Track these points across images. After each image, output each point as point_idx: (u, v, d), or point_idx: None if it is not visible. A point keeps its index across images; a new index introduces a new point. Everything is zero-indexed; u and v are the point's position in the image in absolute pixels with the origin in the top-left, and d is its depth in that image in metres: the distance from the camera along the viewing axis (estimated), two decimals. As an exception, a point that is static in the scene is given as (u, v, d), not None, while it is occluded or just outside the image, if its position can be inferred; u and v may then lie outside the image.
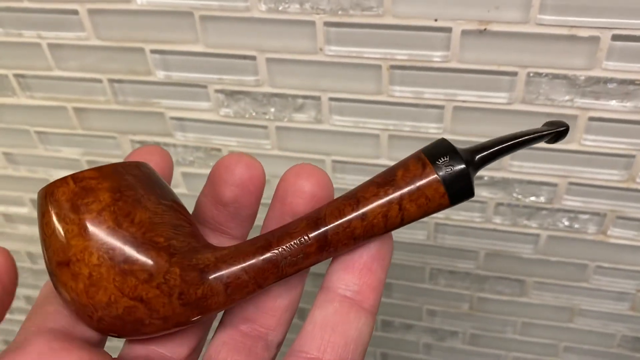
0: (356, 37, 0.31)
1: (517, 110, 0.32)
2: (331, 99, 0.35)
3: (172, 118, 0.39)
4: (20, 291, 0.58)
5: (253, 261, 0.18)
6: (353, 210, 0.18)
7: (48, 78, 0.39)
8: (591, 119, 0.32)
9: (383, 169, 0.19)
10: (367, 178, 0.19)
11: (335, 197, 0.19)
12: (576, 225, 0.38)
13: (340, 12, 0.31)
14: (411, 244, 0.42)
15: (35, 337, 0.17)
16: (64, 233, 0.17)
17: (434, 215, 0.40)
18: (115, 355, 0.19)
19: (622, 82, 0.30)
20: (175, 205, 0.18)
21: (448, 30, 0.30)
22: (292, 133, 0.37)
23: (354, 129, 0.36)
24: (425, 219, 0.40)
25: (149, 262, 0.17)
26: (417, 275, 0.45)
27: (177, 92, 0.37)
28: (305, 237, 0.18)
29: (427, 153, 0.18)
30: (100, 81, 0.38)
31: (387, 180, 0.18)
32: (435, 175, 0.17)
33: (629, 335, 0.44)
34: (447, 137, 0.24)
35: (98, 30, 0.35)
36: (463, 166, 0.17)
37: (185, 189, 0.43)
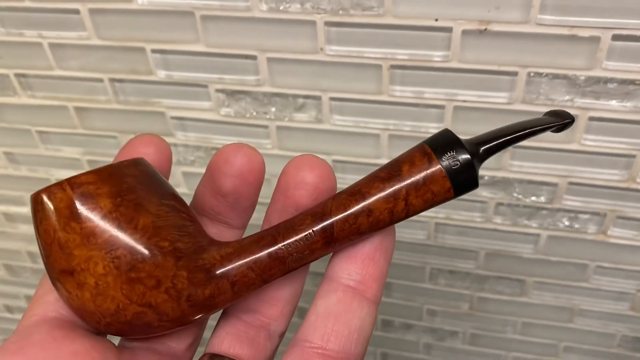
0: (357, 37, 0.32)
1: (518, 110, 0.33)
2: (332, 98, 0.35)
3: (173, 117, 0.39)
4: (20, 290, 0.59)
5: (259, 259, 0.18)
6: (359, 207, 0.18)
7: (49, 77, 0.39)
8: (591, 118, 0.32)
9: None
10: (368, 178, 0.19)
11: (337, 191, 0.19)
12: (576, 225, 0.38)
13: (341, 12, 0.31)
14: (411, 243, 0.42)
15: (38, 327, 0.17)
16: (66, 242, 0.16)
17: (434, 215, 0.40)
18: (116, 343, 0.19)
19: (622, 82, 0.30)
20: (176, 204, 0.18)
21: (448, 30, 0.30)
22: (292, 133, 0.37)
23: (354, 128, 0.36)
24: (425, 219, 0.40)
25: (156, 268, 0.17)
26: (417, 275, 0.45)
27: (178, 91, 0.37)
28: (311, 234, 0.18)
29: (432, 146, 0.17)
30: (101, 81, 0.38)
31: (392, 175, 0.18)
32: (442, 171, 0.17)
33: (629, 335, 0.44)
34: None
35: (99, 30, 0.35)
36: (469, 160, 0.17)
37: (186, 189, 0.43)
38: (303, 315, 0.49)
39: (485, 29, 0.30)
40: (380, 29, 0.31)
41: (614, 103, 0.31)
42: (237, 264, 0.18)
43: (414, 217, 0.24)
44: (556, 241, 0.39)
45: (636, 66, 0.30)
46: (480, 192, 0.37)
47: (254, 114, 0.37)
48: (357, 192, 0.18)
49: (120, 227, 0.16)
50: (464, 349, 0.50)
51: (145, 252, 0.17)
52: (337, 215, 0.18)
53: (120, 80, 0.38)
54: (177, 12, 0.33)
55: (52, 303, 0.18)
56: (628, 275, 0.40)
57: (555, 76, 0.31)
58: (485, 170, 0.36)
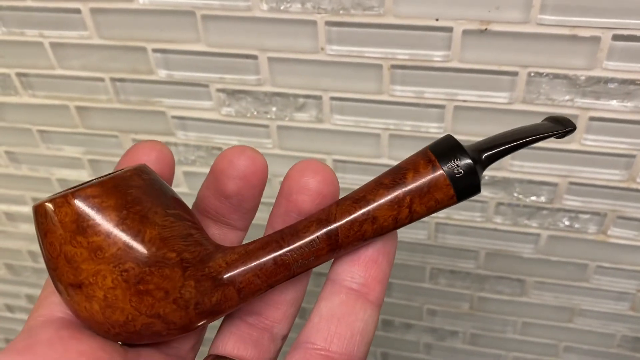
0: (357, 37, 0.32)
1: (518, 110, 0.33)
2: (332, 98, 0.35)
3: (174, 117, 0.39)
4: (21, 289, 0.59)
5: (265, 265, 0.18)
6: (364, 214, 0.18)
7: (50, 77, 0.39)
8: (592, 118, 0.32)
9: (384, 169, 0.19)
10: (368, 177, 0.19)
11: (340, 196, 0.19)
12: (576, 225, 0.38)
13: (341, 12, 0.31)
14: (412, 243, 0.42)
15: (44, 327, 0.17)
16: (73, 257, 0.16)
17: (435, 215, 0.40)
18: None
19: (623, 82, 0.30)
20: (181, 212, 0.18)
21: (449, 30, 0.30)
22: (293, 132, 0.37)
23: (355, 128, 0.36)
24: (425, 219, 0.40)
25: (164, 280, 0.17)
26: (418, 274, 0.45)
27: (178, 91, 0.37)
28: (316, 240, 0.18)
29: (435, 153, 0.18)
30: (102, 80, 0.38)
31: (396, 182, 0.18)
32: (447, 180, 0.17)
33: (629, 335, 0.44)
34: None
35: (100, 30, 0.35)
36: (473, 168, 0.17)
37: (187, 188, 0.43)
38: (306, 316, 0.49)
39: (486, 29, 0.30)
40: (380, 28, 0.31)
41: (614, 103, 0.31)
42: (243, 270, 0.18)
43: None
44: (556, 241, 0.39)
45: (636, 66, 0.30)
46: (481, 192, 0.37)
47: (255, 113, 0.37)
48: (361, 198, 0.18)
49: (127, 240, 0.16)
50: (464, 348, 0.50)
51: (153, 265, 0.17)
52: (341, 222, 0.18)
53: (121, 80, 0.38)
54: (178, 11, 0.33)
55: (57, 304, 0.18)
56: (628, 275, 0.40)
57: (556, 76, 0.31)
58: (486, 170, 0.36)
